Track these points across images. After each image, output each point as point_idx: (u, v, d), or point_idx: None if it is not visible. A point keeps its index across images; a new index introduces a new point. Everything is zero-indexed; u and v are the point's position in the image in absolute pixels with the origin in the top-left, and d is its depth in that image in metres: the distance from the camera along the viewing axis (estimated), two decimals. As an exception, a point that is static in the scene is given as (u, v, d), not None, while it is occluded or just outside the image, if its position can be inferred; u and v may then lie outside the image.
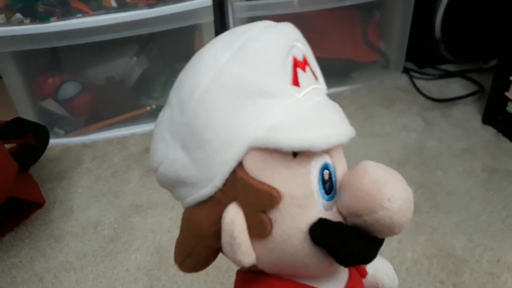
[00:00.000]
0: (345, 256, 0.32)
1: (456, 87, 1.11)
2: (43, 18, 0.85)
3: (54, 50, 0.96)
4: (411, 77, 1.15)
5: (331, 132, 0.32)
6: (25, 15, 0.85)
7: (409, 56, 1.17)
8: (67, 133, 1.01)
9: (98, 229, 0.78)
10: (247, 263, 0.33)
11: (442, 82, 1.13)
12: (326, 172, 0.33)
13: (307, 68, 0.34)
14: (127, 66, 1.02)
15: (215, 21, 0.96)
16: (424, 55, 1.18)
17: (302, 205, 0.32)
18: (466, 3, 1.08)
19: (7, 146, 0.77)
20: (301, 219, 0.32)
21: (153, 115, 1.04)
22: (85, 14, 0.87)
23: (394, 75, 1.16)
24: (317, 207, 0.32)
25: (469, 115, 1.01)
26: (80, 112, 1.02)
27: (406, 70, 1.17)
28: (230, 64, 0.32)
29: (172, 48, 1.06)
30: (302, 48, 0.34)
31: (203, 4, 0.92)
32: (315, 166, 0.32)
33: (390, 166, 1.00)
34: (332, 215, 0.33)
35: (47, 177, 0.90)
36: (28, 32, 0.85)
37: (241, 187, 0.32)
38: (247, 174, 0.32)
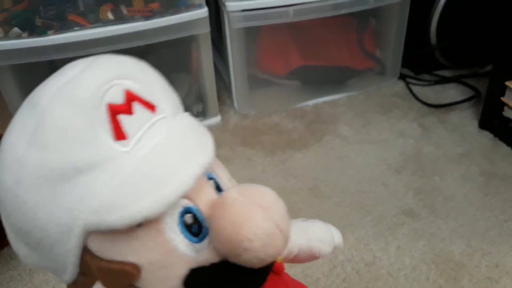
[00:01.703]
0: None
1: (452, 92, 1.12)
2: (41, 31, 0.86)
3: (52, 63, 0.97)
4: (407, 84, 1.15)
5: (167, 190, 0.28)
6: (23, 29, 0.86)
7: (405, 63, 1.18)
8: (66, 145, 1.02)
9: (97, 240, 0.78)
10: None
11: (438, 87, 1.14)
12: (188, 216, 0.30)
13: (135, 107, 0.29)
14: (125, 77, 1.03)
15: (212, 32, 0.97)
16: (420, 61, 1.18)
17: (167, 265, 0.30)
18: (461, 9, 1.09)
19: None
20: (171, 277, 0.30)
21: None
22: (82, 27, 0.88)
23: (390, 82, 1.17)
24: (186, 258, 0.30)
25: (465, 120, 1.02)
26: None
27: (402, 77, 1.17)
28: (29, 154, 0.28)
29: (169, 59, 1.07)
30: (124, 84, 0.29)
31: (199, 15, 0.93)
32: (170, 221, 0.29)
33: (387, 172, 0.99)
34: (209, 254, 0.30)
35: (46, 189, 0.90)
36: (26, 46, 0.86)
37: (96, 270, 0.30)
38: (95, 257, 0.29)
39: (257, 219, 0.28)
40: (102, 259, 0.29)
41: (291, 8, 0.97)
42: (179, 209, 0.30)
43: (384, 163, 0.90)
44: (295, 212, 0.79)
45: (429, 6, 1.10)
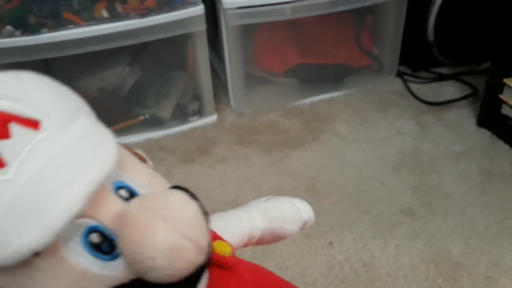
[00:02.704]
0: None
1: (450, 90, 1.11)
2: (34, 29, 0.85)
3: (46, 61, 0.96)
4: (405, 81, 1.15)
5: (49, 218, 0.26)
6: (16, 27, 0.85)
7: (403, 60, 1.17)
8: (61, 145, 1.01)
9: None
10: None
11: (436, 85, 1.13)
12: (94, 235, 0.28)
13: (12, 128, 0.27)
14: (120, 76, 1.02)
15: (208, 30, 0.96)
16: (417, 58, 1.18)
17: None
18: (459, 6, 1.08)
19: None
20: None
21: (147, 124, 1.03)
22: (76, 25, 0.87)
23: (388, 79, 1.16)
24: (101, 278, 0.28)
25: (463, 118, 1.01)
26: (73, 123, 1.01)
27: (399, 74, 1.17)
28: None
29: (165, 57, 1.06)
30: None
31: (195, 12, 0.92)
32: (72, 244, 0.28)
33: (385, 170, 0.99)
34: (127, 270, 0.28)
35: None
36: (19, 44, 0.84)
37: None
38: None
39: (158, 235, 0.26)
40: None
41: (288, 5, 0.96)
42: (82, 230, 0.28)
43: (382, 162, 0.89)
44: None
45: (426, 3, 1.09)
